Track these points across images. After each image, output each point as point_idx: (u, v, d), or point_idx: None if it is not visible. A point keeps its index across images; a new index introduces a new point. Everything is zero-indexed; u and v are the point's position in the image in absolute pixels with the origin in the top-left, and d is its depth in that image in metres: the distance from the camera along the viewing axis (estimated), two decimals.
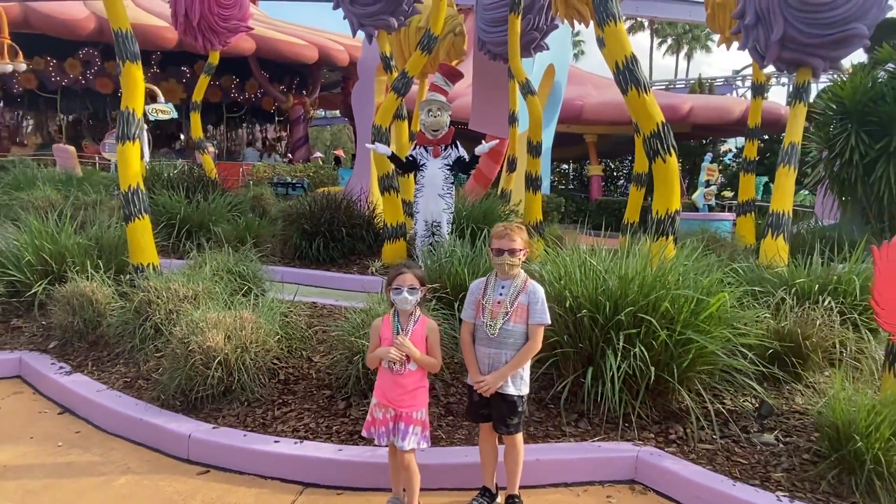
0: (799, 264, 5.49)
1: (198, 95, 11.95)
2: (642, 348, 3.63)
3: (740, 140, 26.20)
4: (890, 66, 9.94)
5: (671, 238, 5.08)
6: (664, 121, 5.07)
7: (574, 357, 3.88)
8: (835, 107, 10.00)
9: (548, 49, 10.31)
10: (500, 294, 3.10)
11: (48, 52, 20.79)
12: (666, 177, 5.13)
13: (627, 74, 5.05)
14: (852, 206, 10.07)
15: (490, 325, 3.06)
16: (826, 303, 4.67)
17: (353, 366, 3.85)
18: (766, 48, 6.50)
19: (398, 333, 3.04)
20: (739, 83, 35.56)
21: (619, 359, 3.62)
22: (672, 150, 5.07)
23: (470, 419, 3.46)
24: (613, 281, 3.93)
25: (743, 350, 3.96)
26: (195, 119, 12.05)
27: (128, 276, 5.47)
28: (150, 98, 18.25)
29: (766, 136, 21.27)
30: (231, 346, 3.80)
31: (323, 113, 41.47)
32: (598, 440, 3.66)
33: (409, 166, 7.01)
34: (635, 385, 3.77)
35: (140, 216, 5.50)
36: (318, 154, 31.08)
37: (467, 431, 3.72)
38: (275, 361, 4.21)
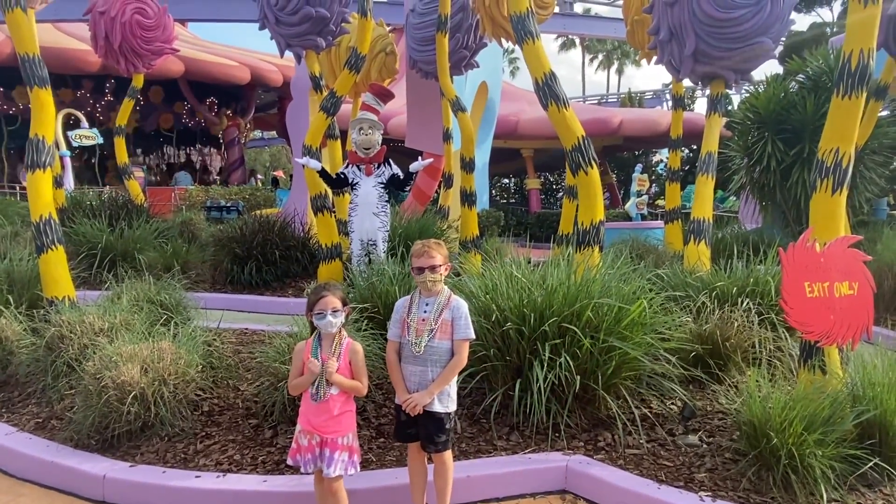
0: (720, 268, 5.70)
1: (122, 119, 11.54)
2: (567, 358, 3.68)
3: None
4: (800, 76, 10.52)
5: (596, 248, 5.18)
6: (584, 134, 5.19)
7: (503, 370, 3.90)
8: (752, 116, 10.51)
9: (478, 67, 10.46)
10: (425, 312, 3.09)
11: None
12: (589, 189, 5.24)
13: (547, 90, 5.16)
14: (772, 211, 10.57)
15: (415, 344, 3.04)
16: (745, 304, 4.85)
17: (279, 392, 3.75)
18: (681, 62, 6.76)
19: (316, 357, 2.98)
20: (668, 96, 36.99)
21: (545, 369, 3.65)
22: (593, 163, 5.19)
23: (398, 439, 3.41)
24: (539, 292, 3.97)
25: (666, 354, 4.06)
26: (120, 144, 11.64)
27: (42, 311, 5.20)
28: (74, 124, 17.60)
29: (694, 146, 22.15)
30: (148, 379, 3.63)
31: (260, 134, 40.87)
32: (528, 452, 3.67)
33: (340, 183, 6.95)
34: (563, 394, 3.80)
35: (53, 247, 5.25)
36: (259, 176, 30.55)
37: (398, 453, 3.66)
38: (198, 393, 4.06)
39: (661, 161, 27.62)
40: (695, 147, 22.36)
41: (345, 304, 3.08)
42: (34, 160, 5.23)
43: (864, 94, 3.89)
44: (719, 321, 4.58)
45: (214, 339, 4.66)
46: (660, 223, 15.61)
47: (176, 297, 5.26)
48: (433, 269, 3.06)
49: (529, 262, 4.62)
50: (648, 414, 3.99)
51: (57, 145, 16.73)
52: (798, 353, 4.11)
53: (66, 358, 4.17)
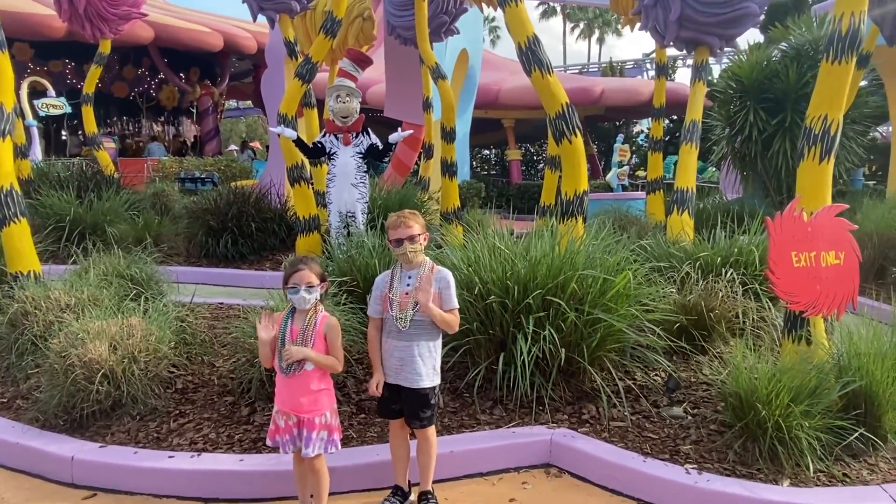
0: (703, 238, 5.65)
1: (89, 87, 11.13)
2: (552, 331, 3.60)
3: (650, 121, 27.13)
4: (783, 45, 10.43)
5: (580, 219, 5.08)
6: (568, 101, 5.04)
7: (486, 344, 3.81)
8: (734, 85, 10.43)
9: (458, 33, 10.20)
10: (408, 285, 2.98)
11: None
12: (573, 158, 5.12)
13: (530, 55, 4.99)
14: (753, 180, 10.56)
15: (399, 318, 2.94)
16: (728, 275, 4.80)
17: (256, 369, 3.63)
18: (665, 28, 6.62)
19: (283, 336, 2.87)
20: (649, 65, 36.81)
21: (529, 342, 3.57)
22: (577, 131, 5.05)
23: (382, 416, 3.32)
24: (522, 264, 3.87)
25: (651, 326, 4.00)
26: (88, 113, 11.24)
27: (5, 287, 4.98)
28: (41, 92, 16.99)
29: (675, 117, 22.08)
30: (117, 356, 3.49)
31: (236, 104, 39.97)
32: (512, 426, 3.60)
33: (316, 152, 6.76)
34: (547, 368, 3.74)
35: (16, 219, 5.01)
36: (233, 147, 29.89)
37: (380, 429, 3.58)
38: (171, 370, 3.92)
39: (642, 131, 27.61)
40: (675, 117, 22.30)
41: (322, 279, 2.95)
42: None
43: (854, 60, 3.80)
44: (703, 292, 4.53)
45: (188, 315, 4.51)
46: (641, 194, 15.57)
47: (147, 271, 5.07)
48: (412, 239, 2.94)
49: (512, 234, 4.51)
50: (633, 386, 3.95)
51: (23, 115, 16.18)
52: (782, 323, 4.08)
53: (30, 335, 3.99)
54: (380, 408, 3.20)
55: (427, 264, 3.03)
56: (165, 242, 7.87)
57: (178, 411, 3.69)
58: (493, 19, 56.97)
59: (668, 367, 4.01)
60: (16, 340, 4.04)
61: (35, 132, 15.97)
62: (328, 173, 6.83)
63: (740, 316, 4.57)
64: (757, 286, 4.82)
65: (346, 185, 6.68)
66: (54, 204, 7.54)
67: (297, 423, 2.85)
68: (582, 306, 3.73)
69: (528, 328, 3.59)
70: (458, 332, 3.76)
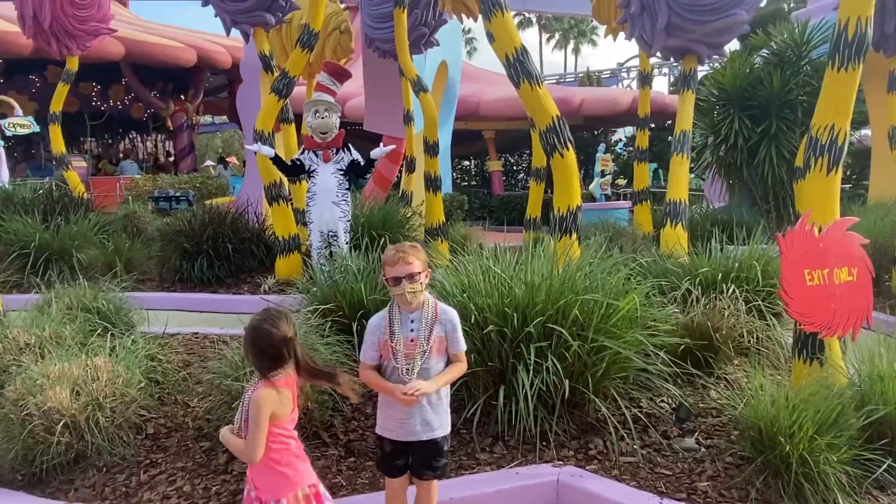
0: (700, 252, 5.46)
1: (56, 105, 10.73)
2: (555, 360, 3.35)
3: (629, 129, 27.25)
4: (764, 52, 10.38)
5: (575, 235, 4.87)
6: (559, 114, 4.84)
7: (484, 376, 3.55)
8: (717, 93, 10.34)
9: (438, 45, 10.01)
10: (412, 330, 2.61)
11: None
12: (565, 172, 4.90)
13: (518, 67, 4.78)
14: (739, 189, 10.46)
15: (407, 370, 2.57)
16: (730, 291, 4.61)
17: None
18: (653, 37, 6.47)
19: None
20: (625, 75, 37.06)
21: (531, 374, 3.32)
22: (569, 145, 4.85)
23: (384, 473, 2.82)
24: (520, 288, 3.63)
25: (655, 350, 3.77)
26: (55, 132, 10.82)
27: None
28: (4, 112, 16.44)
29: (652, 125, 22.12)
30: (80, 403, 3.16)
31: (211, 119, 39.43)
32: (515, 465, 3.34)
33: (295, 170, 6.49)
34: (550, 400, 3.48)
35: None
36: (210, 162, 29.38)
37: (371, 473, 3.29)
38: (141, 413, 3.60)
39: (620, 140, 27.67)
40: (652, 126, 22.32)
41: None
42: None
43: (861, 66, 3.63)
44: (707, 310, 4.32)
45: (160, 349, 4.19)
46: (625, 203, 15.49)
47: (115, 302, 4.73)
48: (412, 277, 2.55)
49: (505, 251, 4.26)
50: (640, 415, 3.71)
51: None
52: (791, 343, 3.88)
53: None
54: (382, 464, 2.79)
55: (430, 304, 2.66)
56: (137, 267, 7.51)
57: (148, 461, 3.37)
58: (469, 31, 57.23)
59: (678, 394, 3.78)
60: None
61: (2, 153, 15.44)
62: (308, 191, 6.56)
63: (745, 335, 4.38)
64: (760, 302, 4.64)
65: (328, 203, 6.41)
66: (18, 230, 7.14)
67: (257, 500, 2.38)
68: (585, 332, 3.49)
69: (530, 359, 3.33)
70: None
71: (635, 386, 3.84)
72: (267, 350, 2.31)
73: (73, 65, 10.74)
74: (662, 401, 3.93)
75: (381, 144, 6.45)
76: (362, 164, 6.27)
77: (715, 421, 3.73)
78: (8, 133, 16.13)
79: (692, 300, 4.52)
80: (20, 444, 3.13)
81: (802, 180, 7.87)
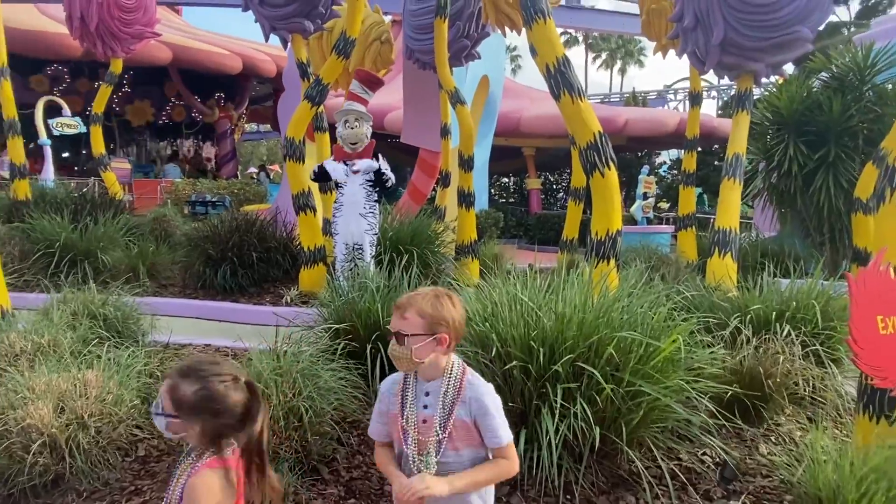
0: (750, 286, 5.00)
1: (98, 107, 10.84)
2: (584, 404, 2.97)
3: (672, 152, 26.56)
4: (823, 75, 9.81)
5: (613, 262, 4.48)
6: (601, 130, 4.48)
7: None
8: (771, 116, 9.80)
9: (479, 58, 9.74)
10: (426, 407, 1.96)
11: None
12: (605, 193, 4.54)
13: (559, 78, 4.45)
14: (792, 218, 9.87)
15: (422, 462, 1.92)
16: (785, 332, 4.15)
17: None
18: (707, 53, 6.06)
19: None
20: (671, 97, 36.34)
21: (556, 418, 2.94)
22: (611, 163, 4.48)
23: None
24: (549, 319, 3.26)
25: (698, 395, 3.35)
26: (96, 133, 10.92)
27: None
28: (56, 111, 16.82)
29: (699, 149, 21.43)
30: (61, 421, 2.92)
31: (256, 127, 40.11)
32: None
33: (324, 176, 6.29)
34: (577, 447, 3.10)
35: None
36: (253, 169, 29.76)
37: None
38: (133, 433, 3.35)
39: (664, 163, 26.97)
40: (699, 149, 21.63)
41: (179, 406, 1.78)
42: None
43: None
44: (760, 354, 3.88)
45: (163, 363, 3.95)
46: (667, 228, 14.93)
47: (124, 309, 4.53)
48: (399, 338, 1.91)
49: (535, 273, 3.90)
50: (677, 471, 3.29)
51: (37, 133, 16.00)
52: (857, 397, 3.42)
53: None
54: None
55: (454, 372, 1.98)
56: (161, 272, 7.39)
57: (133, 487, 3.10)
58: (514, 48, 57.11)
59: (721, 447, 3.34)
60: None
61: (48, 151, 15.77)
62: (335, 202, 6.33)
63: (801, 383, 3.92)
64: (819, 346, 4.17)
65: (354, 215, 6.17)
66: (45, 228, 7.09)
67: None
68: (620, 374, 3.10)
69: (556, 401, 2.96)
70: None
71: (673, 436, 3.42)
72: (222, 413, 1.73)
73: (116, 67, 10.85)
74: (704, 454, 3.50)
75: (418, 158, 6.16)
76: (385, 178, 6.01)
77: (765, 482, 3.29)
78: (56, 132, 16.51)
79: (741, 340, 4.08)
80: None
81: (862, 212, 7.38)
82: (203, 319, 6.41)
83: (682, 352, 3.26)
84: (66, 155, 23.33)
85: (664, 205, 23.27)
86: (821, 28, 6.10)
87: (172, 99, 22.55)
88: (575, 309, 3.29)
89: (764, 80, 6.54)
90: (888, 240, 3.29)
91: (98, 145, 10.95)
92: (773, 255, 7.22)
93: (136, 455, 3.32)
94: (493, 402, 1.96)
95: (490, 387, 2.00)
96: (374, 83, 6.54)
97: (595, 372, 2.97)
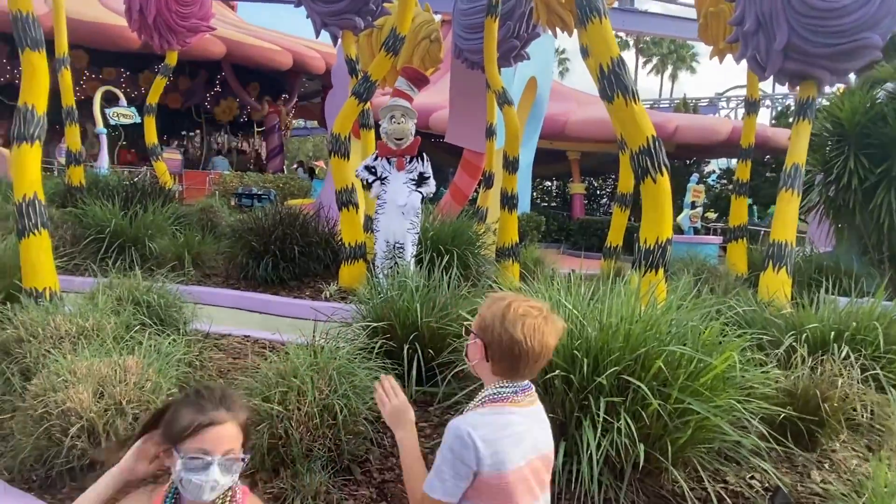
0: (805, 304, 4.76)
1: (153, 98, 11.09)
2: (628, 420, 2.84)
3: (722, 161, 25.86)
4: (889, 85, 9.36)
5: (661, 272, 4.32)
6: (655, 135, 4.33)
7: None
8: (831, 128, 9.40)
9: (528, 59, 9.63)
10: None
11: None
12: (657, 199, 4.38)
13: (613, 79, 4.31)
14: (849, 234, 9.45)
15: None
16: (843, 354, 3.93)
17: (261, 435, 3.00)
18: (767, 58, 5.82)
19: None
20: (723, 104, 35.44)
21: (598, 433, 2.82)
22: (664, 169, 4.33)
23: None
24: (594, 329, 3.14)
25: (749, 417, 3.18)
26: (150, 123, 11.18)
27: (24, 304, 4.58)
28: (112, 101, 17.34)
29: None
30: (100, 406, 2.94)
31: (303, 123, 40.64)
32: None
33: (374, 180, 6.28)
34: (619, 463, 2.97)
35: (36, 231, 4.62)
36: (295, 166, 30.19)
37: None
38: None
39: (714, 171, 26.28)
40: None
41: (246, 437, 1.69)
42: (21, 131, 4.61)
43: None
44: (816, 375, 3.67)
45: (203, 352, 3.97)
46: (715, 238, 14.51)
47: (168, 296, 4.58)
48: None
49: (580, 283, 3.77)
50: (724, 494, 3.12)
51: (94, 123, 16.53)
52: None
53: (21, 366, 3.51)
54: None
55: None
56: (206, 261, 7.49)
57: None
58: (563, 50, 56.57)
59: (772, 472, 3.16)
60: (2, 373, 3.55)
61: (104, 140, 16.26)
62: (378, 199, 6.31)
63: (859, 409, 3.70)
64: (879, 371, 3.93)
65: (397, 213, 6.15)
66: (96, 214, 7.26)
67: None
68: (667, 390, 2.96)
69: (598, 414, 2.84)
70: None
71: (720, 457, 3.25)
72: None
73: (171, 59, 11.08)
74: (752, 478, 3.32)
75: (462, 158, 6.10)
76: (427, 179, 5.98)
77: None
78: (112, 122, 17.02)
79: (796, 360, 3.88)
80: (32, 445, 2.92)
81: None
82: (243, 310, 6.47)
83: (736, 370, 3.10)
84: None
85: (711, 215, 22.63)
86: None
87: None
88: (622, 319, 3.16)
89: (827, 89, 6.28)
90: None
91: (151, 136, 11.20)
92: (828, 271, 6.90)
93: None
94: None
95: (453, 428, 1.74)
96: (420, 81, 6.50)
97: (642, 386, 2.84)
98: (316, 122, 35.99)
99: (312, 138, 53.50)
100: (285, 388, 3.02)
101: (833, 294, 4.91)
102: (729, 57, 9.40)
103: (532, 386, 1.88)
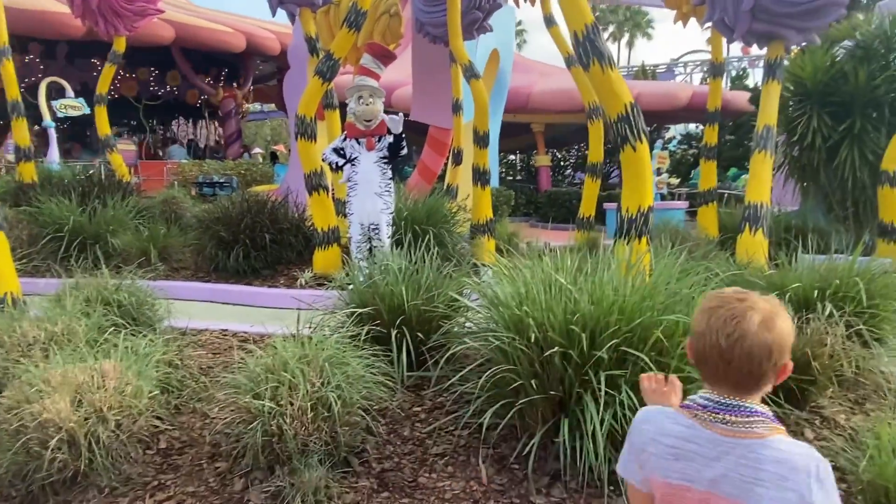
0: (784, 263, 4.81)
1: (102, 87, 10.60)
2: (629, 392, 2.81)
3: (678, 127, 26.15)
4: (847, 43, 9.48)
5: (645, 240, 4.30)
6: (633, 101, 4.27)
7: (542, 404, 3.02)
8: (793, 88, 9.50)
9: (491, 31, 9.46)
10: None
11: None
12: (637, 168, 4.34)
13: (588, 45, 4.23)
14: (814, 192, 9.62)
15: None
16: (827, 311, 3.97)
17: (253, 431, 2.88)
18: (736, 19, 5.80)
19: None
20: (680, 69, 35.73)
21: (601, 408, 2.78)
22: (643, 136, 4.28)
23: None
24: (588, 304, 3.09)
25: None
26: (101, 114, 10.70)
27: None
28: (59, 92, 16.60)
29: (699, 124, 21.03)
30: (79, 415, 2.78)
31: (260, 107, 39.65)
32: None
33: (342, 163, 6.10)
34: (621, 436, 2.94)
35: None
36: (258, 150, 29.46)
37: None
38: (154, 424, 3.21)
39: (674, 137, 26.55)
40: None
41: None
42: None
43: None
44: (806, 335, 3.70)
45: (181, 350, 3.81)
46: (681, 203, 14.68)
47: (139, 294, 4.38)
48: None
49: (566, 255, 3.72)
50: None
51: (41, 116, 15.79)
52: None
53: None
54: None
55: None
56: (172, 255, 7.24)
57: (156, 482, 2.97)
58: (519, 22, 56.21)
59: None
60: None
61: (52, 133, 15.57)
62: (349, 181, 6.14)
63: (846, 364, 3.75)
64: (862, 326, 3.99)
65: (370, 194, 5.99)
66: (52, 211, 6.93)
67: None
68: (665, 359, 2.94)
69: (599, 388, 2.80)
70: (507, 390, 3.03)
71: None
72: None
73: (119, 46, 10.59)
74: None
75: (428, 135, 5.96)
76: (401, 143, 5.83)
77: None
78: (59, 114, 16.30)
79: None
80: (10, 459, 2.76)
81: (888, 186, 7.14)
82: (218, 303, 6.28)
83: None
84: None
85: (674, 180, 22.92)
86: None
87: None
88: (616, 291, 3.12)
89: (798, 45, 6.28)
90: None
91: (103, 126, 10.73)
92: (796, 230, 7.01)
93: (158, 447, 3.19)
94: None
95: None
96: (387, 57, 6.31)
97: (643, 356, 2.80)
98: (273, 105, 35.14)
99: (270, 122, 52.32)
100: (276, 383, 2.91)
101: (801, 252, 4.95)
102: (691, 22, 9.41)
103: None
